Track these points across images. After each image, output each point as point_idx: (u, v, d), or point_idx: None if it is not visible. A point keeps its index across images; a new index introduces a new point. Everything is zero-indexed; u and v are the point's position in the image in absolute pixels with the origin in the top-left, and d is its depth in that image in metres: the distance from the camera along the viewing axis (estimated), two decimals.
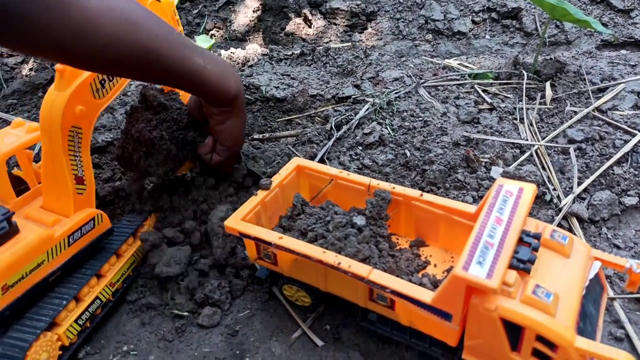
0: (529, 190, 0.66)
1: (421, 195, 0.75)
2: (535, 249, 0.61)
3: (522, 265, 0.58)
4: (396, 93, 1.16)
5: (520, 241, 0.62)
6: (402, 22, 1.80)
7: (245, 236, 0.72)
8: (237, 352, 0.75)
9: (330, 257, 0.66)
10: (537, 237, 0.62)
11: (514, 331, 0.56)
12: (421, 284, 0.69)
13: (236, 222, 0.73)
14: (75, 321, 0.75)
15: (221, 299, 0.80)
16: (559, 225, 0.87)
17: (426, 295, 0.60)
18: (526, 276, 0.58)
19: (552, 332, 0.53)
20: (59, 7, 0.54)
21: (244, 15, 1.90)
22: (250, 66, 1.43)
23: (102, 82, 0.78)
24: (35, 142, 0.81)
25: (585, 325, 0.58)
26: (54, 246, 0.73)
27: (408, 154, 1.00)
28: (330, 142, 1.04)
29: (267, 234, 0.70)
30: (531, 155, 0.99)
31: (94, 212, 0.79)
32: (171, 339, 0.77)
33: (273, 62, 1.46)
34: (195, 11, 1.95)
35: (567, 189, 0.93)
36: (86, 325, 0.77)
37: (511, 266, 0.58)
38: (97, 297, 0.78)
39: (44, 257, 0.71)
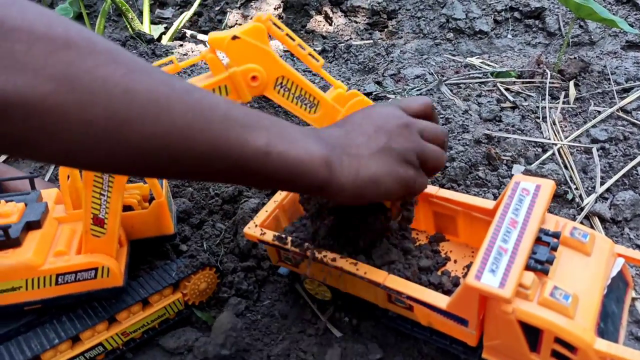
0: (547, 186, 0.65)
1: (438, 191, 0.75)
2: (554, 249, 0.60)
3: (539, 266, 0.58)
4: (418, 90, 1.16)
5: (539, 240, 0.61)
6: (423, 20, 1.80)
7: (264, 243, 0.73)
8: (258, 339, 0.76)
9: (347, 264, 0.66)
10: (556, 235, 0.62)
11: (532, 333, 0.56)
12: (440, 283, 0.69)
13: (254, 229, 0.73)
14: None
15: (249, 289, 0.82)
16: (581, 224, 0.87)
17: (441, 301, 0.60)
18: (544, 277, 0.57)
19: (571, 334, 0.53)
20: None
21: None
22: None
23: None
24: None
25: (606, 325, 0.58)
26: (36, 278, 0.66)
27: None
28: None
29: (284, 243, 0.70)
30: (553, 154, 0.99)
31: (99, 263, 0.68)
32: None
33: (294, 58, 1.47)
34: (218, 8, 1.98)
35: (590, 188, 0.92)
36: None
37: (528, 267, 0.57)
38: (100, 343, 0.71)
39: (21, 284, 0.66)
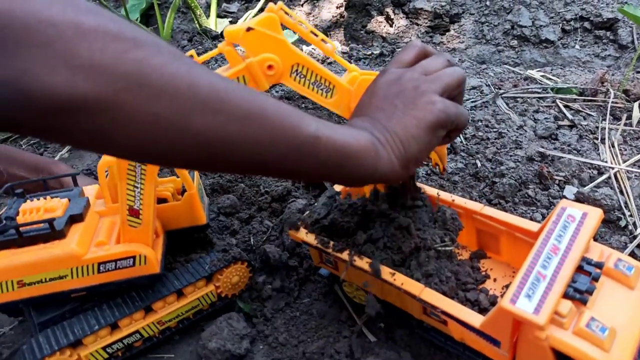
0: (594, 215, 0.64)
1: (482, 209, 0.75)
2: (596, 279, 0.59)
3: (578, 295, 0.57)
4: (473, 102, 1.15)
5: (580, 269, 0.61)
6: (487, 25, 1.77)
7: (306, 244, 0.76)
8: (294, 336, 0.80)
9: (385, 272, 0.67)
10: (599, 266, 0.61)
11: None
12: (477, 301, 0.70)
13: (299, 231, 0.77)
14: (104, 348, 0.75)
15: (290, 287, 0.85)
16: (632, 253, 0.84)
17: (475, 320, 0.60)
18: (582, 307, 0.57)
19: None
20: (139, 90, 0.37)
21: (327, 11, 1.94)
22: (329, 63, 1.47)
23: None
24: None
25: None
26: (80, 267, 0.72)
27: (479, 165, 1.00)
28: None
29: (326, 246, 0.73)
30: (609, 177, 0.96)
31: (137, 251, 0.73)
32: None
33: (352, 60, 1.49)
34: None
35: None
36: (117, 354, 0.77)
37: (566, 295, 0.57)
38: (137, 331, 0.77)
39: (66, 272, 0.71)
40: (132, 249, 0.73)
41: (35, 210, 0.73)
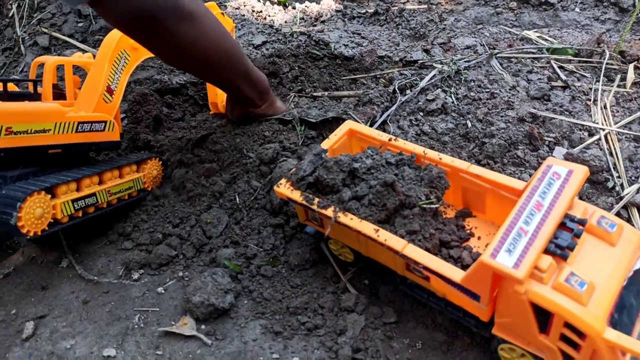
0: (579, 172, 0.64)
1: (469, 167, 0.75)
2: (577, 236, 0.60)
3: (559, 251, 0.58)
4: (466, 61, 1.13)
5: (563, 226, 0.61)
6: None
7: (292, 201, 0.76)
8: (279, 291, 0.80)
9: (369, 228, 0.67)
10: (581, 222, 0.61)
11: (543, 315, 0.57)
12: (460, 258, 0.70)
13: (285, 188, 0.76)
14: (72, 202, 0.84)
15: (275, 244, 0.85)
16: (618, 214, 0.84)
17: (456, 275, 0.61)
18: (563, 262, 0.58)
19: (581, 321, 0.53)
20: (187, 21, 0.78)
21: None
22: (323, 22, 1.43)
23: None
24: (81, 64, 0.98)
25: (621, 316, 0.58)
26: (62, 123, 0.84)
27: (469, 125, 0.99)
28: (394, 107, 1.04)
29: (311, 203, 0.72)
30: (599, 139, 0.95)
31: (108, 118, 0.92)
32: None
33: (346, 19, 1.45)
34: None
35: (633, 178, 0.89)
36: (78, 214, 0.86)
37: (547, 251, 0.58)
38: (94, 194, 0.88)
39: (50, 126, 0.83)
40: (104, 116, 0.92)
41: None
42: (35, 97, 0.88)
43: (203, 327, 0.76)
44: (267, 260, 0.85)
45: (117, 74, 0.93)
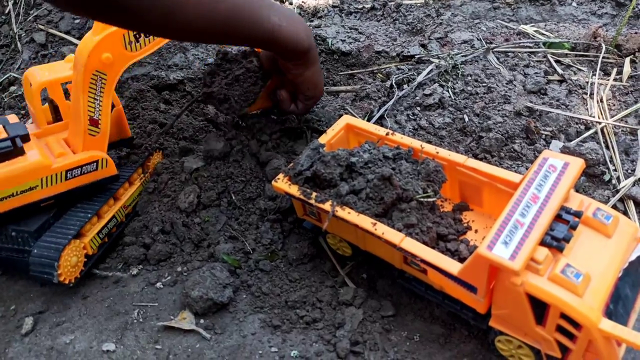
0: (575, 165, 0.64)
1: (465, 160, 0.75)
2: (573, 227, 0.60)
3: (555, 243, 0.58)
4: (463, 56, 1.13)
5: (559, 218, 0.61)
6: None
7: (290, 196, 0.76)
8: (277, 286, 0.81)
9: (366, 222, 0.68)
10: (577, 214, 0.62)
11: (539, 306, 0.57)
12: (457, 251, 0.70)
13: (283, 182, 0.76)
14: (97, 234, 0.84)
15: (274, 239, 0.86)
16: (614, 207, 0.85)
17: (453, 267, 0.61)
18: (559, 254, 0.58)
19: (577, 312, 0.54)
20: None
21: None
22: (320, 17, 1.43)
23: (137, 36, 0.83)
24: (70, 79, 0.85)
25: (616, 307, 0.58)
26: (50, 176, 0.79)
27: (466, 119, 0.99)
28: (392, 102, 1.04)
29: (308, 197, 0.73)
30: (596, 132, 0.95)
31: (99, 156, 0.84)
32: None
33: (343, 14, 1.45)
34: None
35: (630, 171, 0.89)
36: (105, 240, 0.87)
37: (543, 243, 0.58)
38: (114, 216, 0.88)
39: (36, 183, 0.78)
40: (94, 155, 0.83)
41: None
42: (16, 152, 0.77)
43: (202, 321, 0.77)
44: (266, 255, 0.85)
45: (96, 100, 0.81)
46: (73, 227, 0.80)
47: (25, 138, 0.79)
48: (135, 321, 0.78)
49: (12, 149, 0.75)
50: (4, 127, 0.79)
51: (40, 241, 0.79)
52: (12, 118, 0.86)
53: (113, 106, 0.91)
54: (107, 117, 0.84)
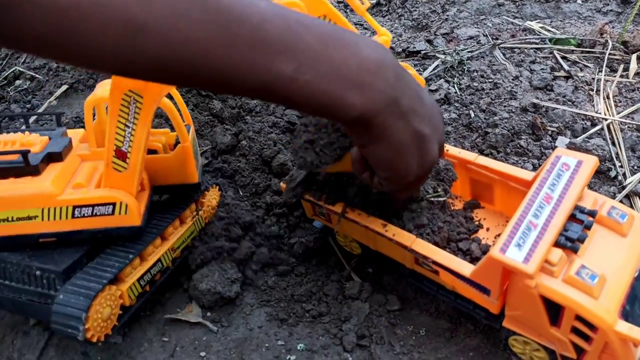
0: (589, 163, 0.63)
1: (476, 158, 0.74)
2: (588, 227, 0.59)
3: (569, 243, 0.57)
4: (469, 52, 1.13)
5: (573, 218, 0.60)
6: None
7: (300, 197, 0.76)
8: (283, 279, 0.81)
9: (377, 224, 0.67)
10: (591, 214, 0.60)
11: (554, 308, 0.56)
12: (469, 250, 0.69)
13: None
14: (138, 280, 0.69)
15: (280, 233, 0.86)
16: (620, 203, 0.85)
17: (466, 269, 0.60)
18: (573, 255, 0.57)
19: (592, 314, 0.52)
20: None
21: None
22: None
23: None
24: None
25: (633, 308, 0.57)
26: (53, 208, 0.65)
27: (472, 115, 0.99)
28: None
29: (318, 199, 0.72)
30: (602, 129, 0.95)
31: (118, 199, 0.65)
32: None
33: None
34: None
35: (636, 167, 0.89)
36: (146, 289, 0.72)
37: (558, 244, 0.57)
38: (159, 260, 0.73)
39: (37, 213, 0.65)
40: (113, 195, 0.65)
41: (10, 142, 0.67)
42: (28, 170, 0.64)
43: (209, 314, 0.77)
44: (272, 249, 0.85)
45: (127, 127, 0.62)
46: (108, 269, 0.65)
47: (55, 157, 0.67)
48: (142, 313, 0.78)
49: (23, 166, 0.63)
50: (49, 138, 0.70)
51: (68, 286, 0.63)
52: (73, 133, 0.75)
53: (177, 142, 0.75)
54: (140, 151, 0.64)
